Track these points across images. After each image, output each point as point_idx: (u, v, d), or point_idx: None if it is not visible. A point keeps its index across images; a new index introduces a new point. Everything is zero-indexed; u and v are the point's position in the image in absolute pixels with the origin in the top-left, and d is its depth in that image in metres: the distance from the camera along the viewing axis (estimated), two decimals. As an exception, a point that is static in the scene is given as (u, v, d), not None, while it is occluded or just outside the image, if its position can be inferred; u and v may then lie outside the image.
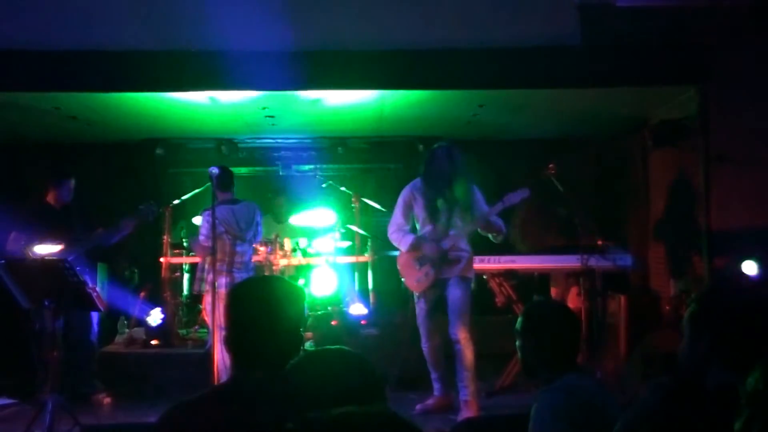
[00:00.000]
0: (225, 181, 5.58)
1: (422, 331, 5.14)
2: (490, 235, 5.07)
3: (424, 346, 5.14)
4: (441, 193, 5.02)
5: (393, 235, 5.19)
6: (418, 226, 5.17)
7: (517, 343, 2.55)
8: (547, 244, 6.01)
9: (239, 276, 5.49)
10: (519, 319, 2.58)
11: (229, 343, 2.00)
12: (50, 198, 5.64)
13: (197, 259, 6.25)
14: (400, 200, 5.19)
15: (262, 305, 1.99)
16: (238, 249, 5.58)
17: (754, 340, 1.84)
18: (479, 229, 5.08)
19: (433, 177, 5.03)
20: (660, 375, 2.02)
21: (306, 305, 2.09)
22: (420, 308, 5.11)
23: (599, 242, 5.64)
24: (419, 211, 5.10)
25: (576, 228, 5.27)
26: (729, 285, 2.05)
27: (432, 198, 5.03)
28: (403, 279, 5.21)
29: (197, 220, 7.09)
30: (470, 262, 5.09)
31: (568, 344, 2.47)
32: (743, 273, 5.05)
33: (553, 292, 6.02)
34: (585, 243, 5.25)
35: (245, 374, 1.97)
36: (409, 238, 5.08)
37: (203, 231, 5.55)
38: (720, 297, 1.97)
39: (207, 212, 5.46)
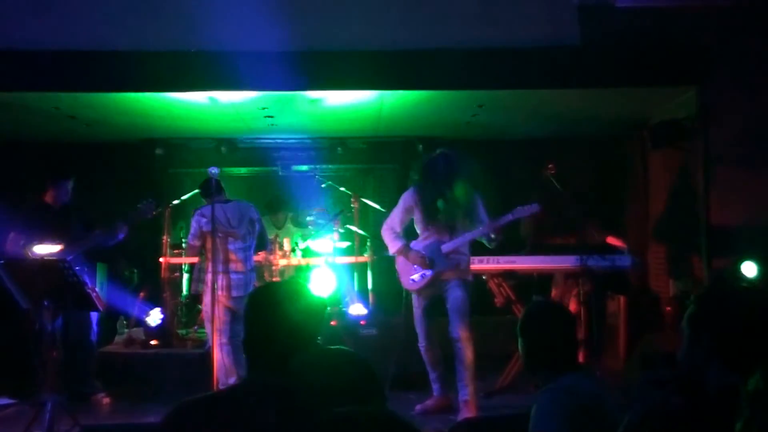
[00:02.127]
0: (217, 187, 5.44)
1: (419, 330, 5.13)
2: (484, 240, 5.07)
3: (422, 345, 5.13)
4: (442, 195, 5.00)
5: (384, 234, 5.19)
6: (418, 231, 5.16)
7: (519, 343, 2.55)
8: (555, 244, 6.00)
9: (236, 277, 5.38)
10: (520, 320, 2.59)
11: (244, 346, 2.07)
12: (49, 198, 5.63)
13: (196, 260, 6.25)
14: (400, 203, 5.16)
15: (265, 309, 2.04)
16: (231, 247, 5.38)
17: (753, 341, 1.83)
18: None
19: (432, 183, 5.01)
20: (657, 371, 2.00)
21: (316, 306, 2.11)
22: (416, 308, 5.11)
23: (611, 240, 5.62)
24: (420, 217, 5.09)
25: (583, 227, 5.29)
26: (728, 286, 2.04)
27: (432, 201, 5.01)
28: (399, 277, 5.21)
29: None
30: (468, 264, 5.10)
31: (565, 345, 2.47)
32: (742, 273, 5.05)
33: (554, 293, 6.01)
34: (590, 242, 5.26)
35: (255, 376, 2.02)
36: (399, 243, 5.08)
37: (191, 231, 5.49)
38: (719, 298, 1.96)
39: (197, 212, 5.43)
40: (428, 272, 4.98)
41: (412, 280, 5.05)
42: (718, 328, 1.88)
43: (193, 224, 5.44)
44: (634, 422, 1.91)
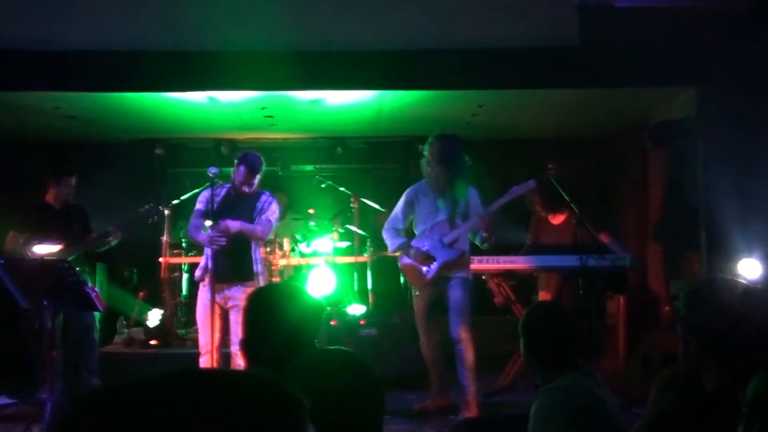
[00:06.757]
0: None
1: (420, 329, 5.13)
2: (476, 241, 5.07)
3: (423, 344, 5.13)
4: (442, 191, 5.01)
5: (385, 233, 5.20)
6: (416, 229, 5.16)
7: (521, 342, 2.56)
8: (555, 244, 5.99)
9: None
10: (522, 319, 2.59)
11: (242, 347, 2.10)
12: (50, 197, 5.62)
13: (198, 260, 6.24)
14: (402, 198, 5.17)
15: (264, 310, 2.08)
16: None
17: (741, 343, 1.78)
18: (469, 233, 5.08)
19: (448, 164, 4.99)
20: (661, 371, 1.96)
21: (314, 307, 2.11)
22: (418, 306, 5.10)
23: (603, 238, 5.62)
24: (420, 211, 5.09)
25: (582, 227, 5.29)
26: (714, 286, 1.97)
27: (435, 195, 5.03)
28: (404, 275, 5.19)
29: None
30: (469, 260, 5.10)
31: (565, 345, 2.47)
32: (736, 273, 5.03)
33: (541, 294, 5.98)
34: (588, 241, 5.25)
35: None
36: (398, 241, 5.10)
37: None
38: (704, 299, 1.89)
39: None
40: (434, 265, 4.98)
41: (420, 275, 5.02)
42: (704, 330, 1.83)
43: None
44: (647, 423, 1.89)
